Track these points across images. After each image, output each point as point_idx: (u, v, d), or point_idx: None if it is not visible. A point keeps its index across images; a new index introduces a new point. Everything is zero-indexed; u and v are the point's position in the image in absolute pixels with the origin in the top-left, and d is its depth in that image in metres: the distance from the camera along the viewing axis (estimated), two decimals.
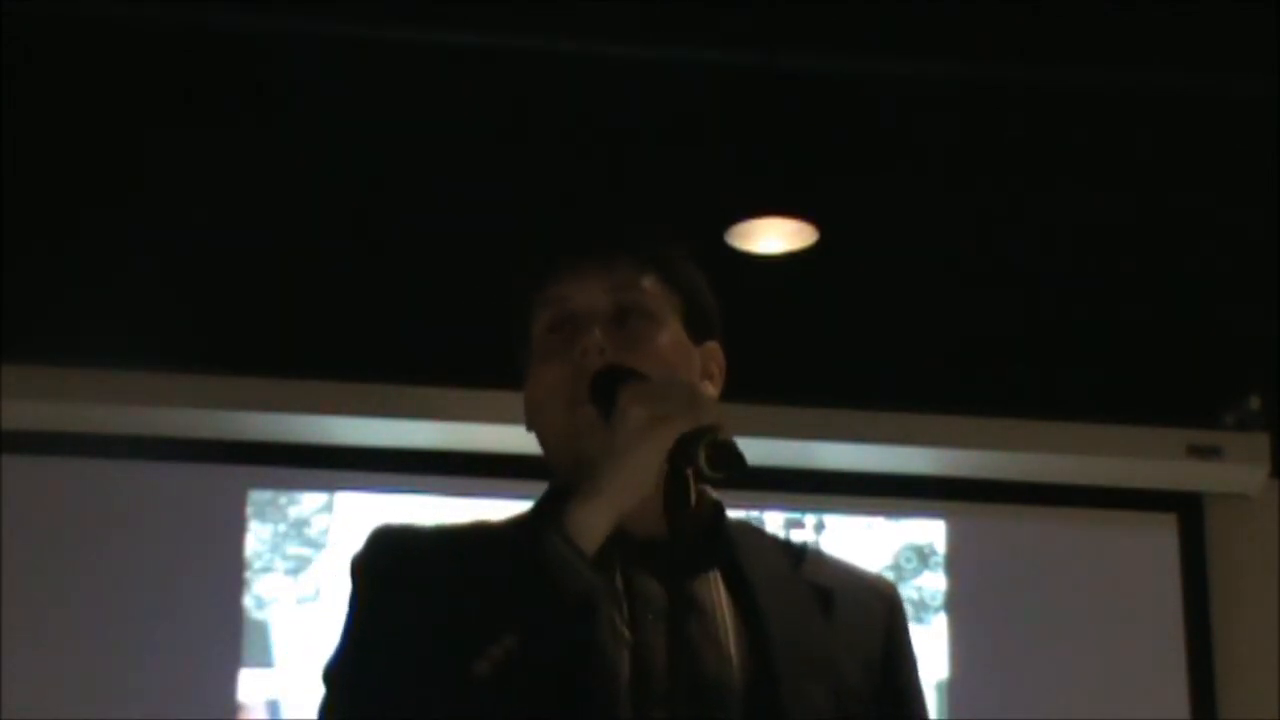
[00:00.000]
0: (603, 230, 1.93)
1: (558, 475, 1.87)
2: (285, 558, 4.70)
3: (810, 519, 4.88)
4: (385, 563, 1.83)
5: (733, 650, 1.78)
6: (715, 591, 1.82)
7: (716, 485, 1.84)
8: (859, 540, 4.83)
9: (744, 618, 1.80)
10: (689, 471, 1.74)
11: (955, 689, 4.77)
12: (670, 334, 1.87)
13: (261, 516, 4.72)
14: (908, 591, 4.73)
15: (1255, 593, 4.88)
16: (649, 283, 1.88)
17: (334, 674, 1.79)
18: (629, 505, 1.74)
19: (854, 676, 1.82)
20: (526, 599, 1.67)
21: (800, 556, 1.90)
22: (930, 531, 4.91)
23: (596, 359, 1.82)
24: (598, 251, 1.89)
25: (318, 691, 1.80)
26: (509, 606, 1.67)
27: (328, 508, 4.75)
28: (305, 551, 4.71)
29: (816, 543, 4.55)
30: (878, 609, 1.89)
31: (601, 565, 1.72)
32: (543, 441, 1.89)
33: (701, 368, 1.91)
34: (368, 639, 1.79)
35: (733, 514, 1.90)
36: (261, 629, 4.65)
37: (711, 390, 1.91)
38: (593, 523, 1.71)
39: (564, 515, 1.72)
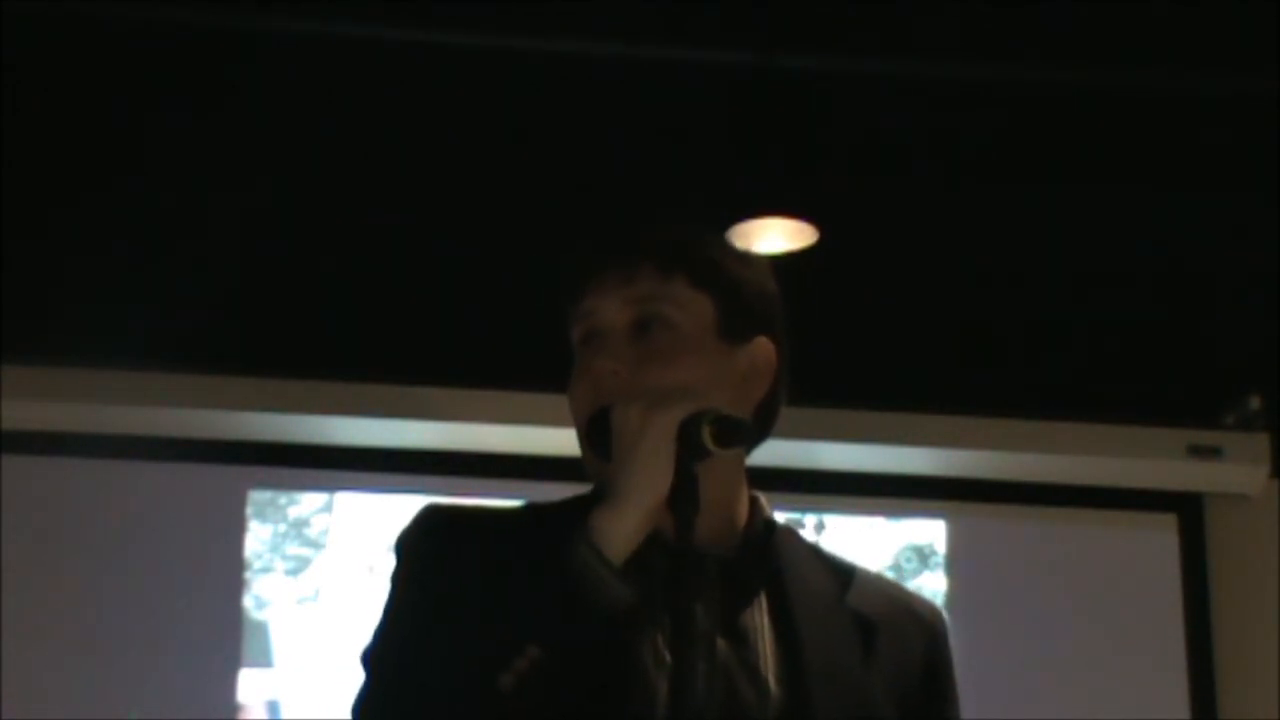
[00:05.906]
0: (626, 235, 1.88)
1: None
2: (285, 558, 4.70)
3: (810, 519, 4.88)
4: (430, 544, 1.80)
5: (770, 679, 1.76)
6: (759, 614, 1.79)
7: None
8: (859, 540, 4.83)
9: (784, 646, 1.78)
10: (696, 468, 1.71)
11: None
12: (695, 342, 1.83)
13: (261, 516, 4.72)
14: None
15: (1255, 593, 4.87)
16: (674, 288, 1.83)
17: (372, 657, 1.76)
18: (654, 504, 1.70)
19: (889, 714, 1.80)
20: (552, 609, 1.64)
21: (848, 580, 1.87)
22: (930, 531, 4.91)
23: (611, 381, 1.79)
24: (621, 260, 1.85)
25: (355, 676, 1.77)
26: (534, 616, 1.64)
27: (328, 508, 4.75)
28: (305, 551, 4.71)
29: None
30: (917, 641, 1.86)
31: (643, 577, 1.68)
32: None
33: (743, 369, 1.87)
34: (406, 625, 1.76)
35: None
36: (261, 629, 4.65)
37: (756, 391, 1.86)
38: (618, 529, 1.69)
39: (591, 523, 1.69)
